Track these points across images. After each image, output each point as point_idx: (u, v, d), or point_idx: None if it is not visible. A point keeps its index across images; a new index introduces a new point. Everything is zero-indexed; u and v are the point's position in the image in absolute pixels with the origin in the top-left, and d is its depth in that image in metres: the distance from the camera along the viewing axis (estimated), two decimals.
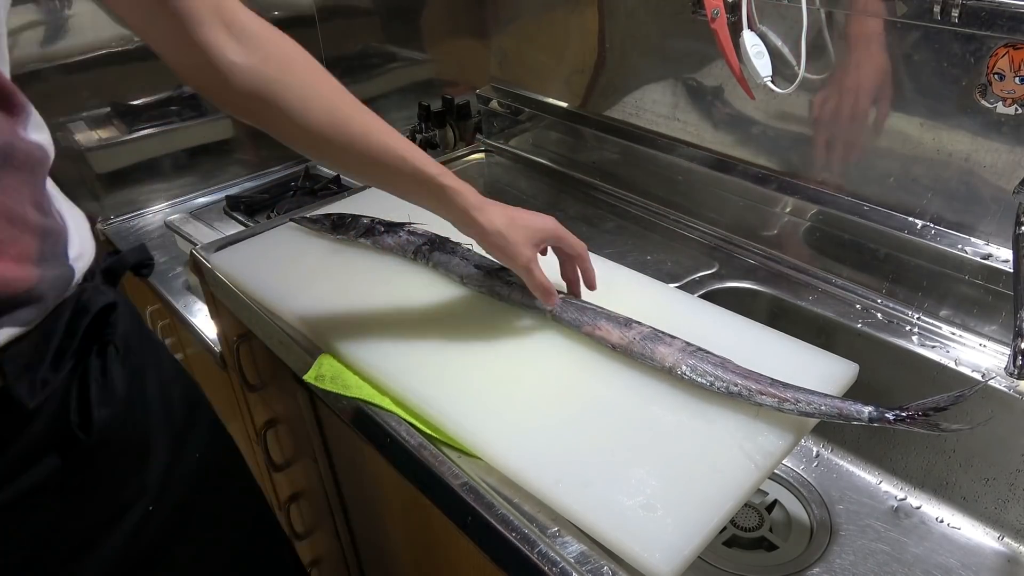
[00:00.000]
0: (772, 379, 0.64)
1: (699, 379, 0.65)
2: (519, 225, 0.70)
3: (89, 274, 0.54)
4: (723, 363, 0.66)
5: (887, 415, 0.58)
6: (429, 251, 0.86)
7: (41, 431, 0.50)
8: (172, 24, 0.54)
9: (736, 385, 0.64)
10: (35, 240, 0.48)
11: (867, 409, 0.59)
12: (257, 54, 0.58)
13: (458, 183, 0.68)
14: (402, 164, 0.65)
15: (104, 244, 1.30)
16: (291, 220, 1.00)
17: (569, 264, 0.76)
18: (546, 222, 0.72)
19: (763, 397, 0.62)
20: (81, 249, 0.53)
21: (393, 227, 0.91)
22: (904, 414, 0.58)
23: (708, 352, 0.67)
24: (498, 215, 0.69)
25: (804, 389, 0.62)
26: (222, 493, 0.71)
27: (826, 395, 0.61)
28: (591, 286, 0.77)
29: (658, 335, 0.69)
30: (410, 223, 0.90)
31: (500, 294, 0.80)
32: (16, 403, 0.47)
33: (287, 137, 0.63)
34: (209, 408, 0.71)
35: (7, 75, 0.46)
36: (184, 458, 0.64)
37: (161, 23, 0.54)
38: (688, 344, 0.68)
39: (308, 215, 0.99)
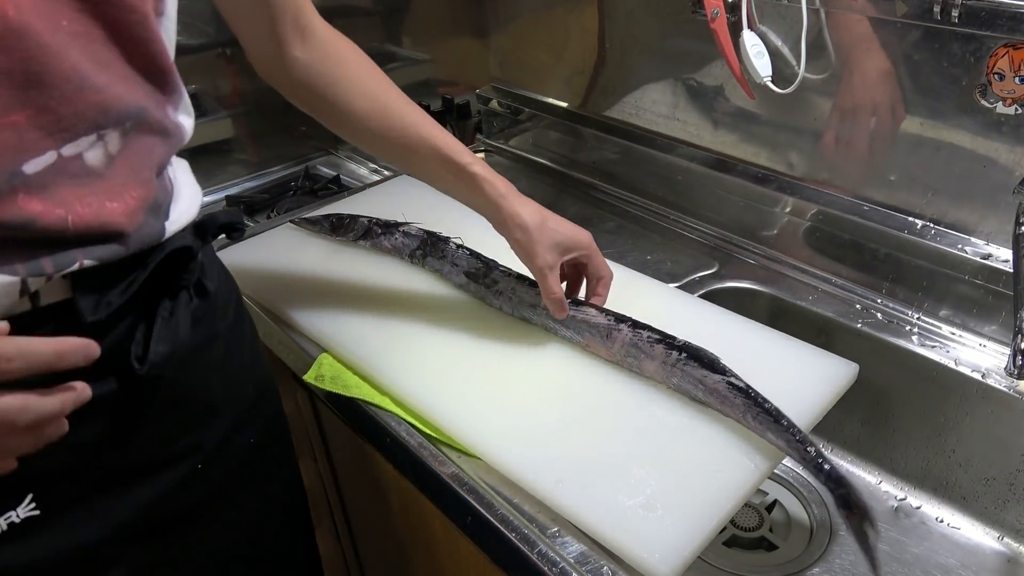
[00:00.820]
0: (747, 401, 0.61)
1: (684, 395, 0.66)
2: (550, 228, 0.70)
3: (179, 231, 0.57)
4: (703, 379, 0.63)
5: (836, 491, 0.55)
6: (423, 256, 0.86)
7: (104, 354, 0.52)
8: (261, 18, 0.66)
9: (714, 409, 0.64)
10: (149, 195, 0.52)
11: (827, 466, 0.56)
12: (316, 53, 0.69)
13: (490, 173, 0.70)
14: (435, 153, 0.70)
15: None
16: (290, 221, 1.00)
17: (588, 288, 0.76)
18: (579, 234, 0.72)
19: (738, 425, 0.62)
20: (179, 214, 0.57)
21: (389, 228, 0.90)
22: (843, 492, 0.55)
23: (691, 357, 0.65)
24: (529, 211, 0.69)
25: (779, 423, 0.59)
26: (265, 480, 0.71)
27: (795, 435, 0.58)
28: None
29: (638, 346, 0.68)
30: (405, 223, 0.90)
31: (490, 304, 0.80)
32: (81, 318, 0.50)
33: (334, 123, 0.72)
34: (277, 401, 0.73)
35: (171, 58, 0.51)
36: (240, 437, 0.65)
37: (251, 15, 0.66)
38: (668, 354, 0.66)
39: (307, 216, 0.99)
